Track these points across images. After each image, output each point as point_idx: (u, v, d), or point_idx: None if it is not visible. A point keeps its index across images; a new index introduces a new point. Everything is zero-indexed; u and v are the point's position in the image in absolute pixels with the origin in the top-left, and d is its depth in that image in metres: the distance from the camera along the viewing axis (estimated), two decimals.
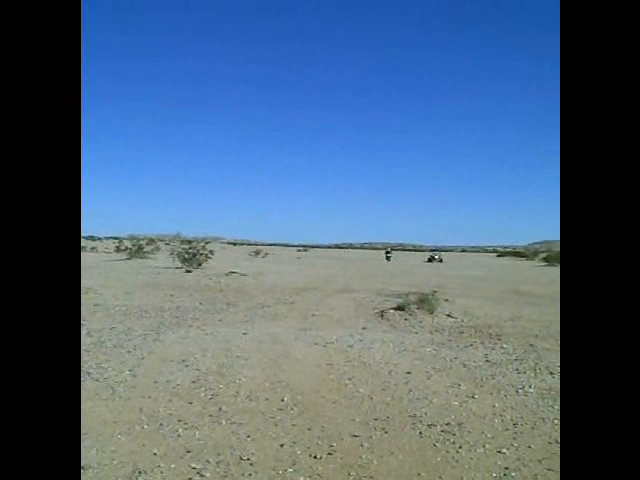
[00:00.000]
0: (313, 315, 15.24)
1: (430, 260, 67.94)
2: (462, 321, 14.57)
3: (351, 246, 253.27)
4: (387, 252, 70.66)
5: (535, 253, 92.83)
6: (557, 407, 6.88)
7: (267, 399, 7.03)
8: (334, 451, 5.40)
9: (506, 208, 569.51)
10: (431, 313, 14.93)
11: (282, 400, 6.99)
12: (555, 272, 45.42)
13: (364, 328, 13.19)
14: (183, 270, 30.97)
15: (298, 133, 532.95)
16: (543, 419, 6.43)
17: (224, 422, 6.14)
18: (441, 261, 67.63)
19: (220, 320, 13.91)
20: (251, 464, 5.06)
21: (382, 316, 14.94)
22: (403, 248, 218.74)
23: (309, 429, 5.99)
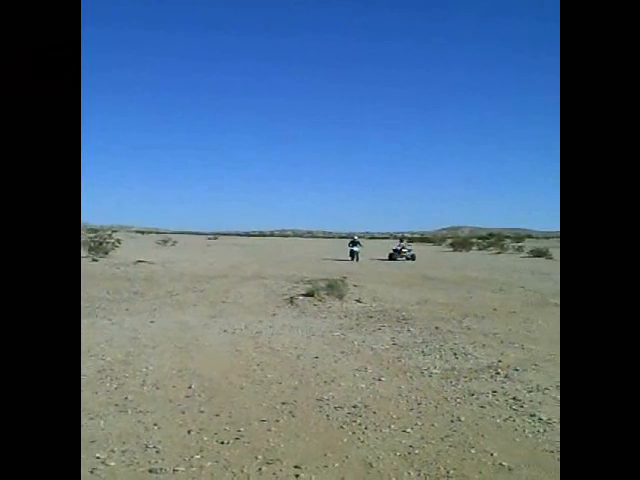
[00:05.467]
0: (223, 302, 15.13)
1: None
2: (371, 306, 14.81)
3: (262, 234, 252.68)
4: (352, 242, 38.91)
5: (442, 239, 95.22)
6: (460, 386, 7.13)
7: (174, 387, 6.95)
8: (241, 436, 5.40)
9: (414, 195, 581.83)
10: (340, 298, 15.12)
11: (189, 387, 6.92)
12: (460, 257, 46.85)
13: (274, 314, 13.21)
14: (89, 259, 30.07)
15: (204, 119, 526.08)
16: (446, 398, 6.63)
17: (130, 411, 6.03)
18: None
19: (127, 309, 13.60)
20: (157, 452, 4.99)
21: (292, 302, 15.01)
22: (312, 235, 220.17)
23: (216, 415, 5.95)
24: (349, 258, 37.29)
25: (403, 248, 40.42)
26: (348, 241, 40.92)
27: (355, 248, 37.55)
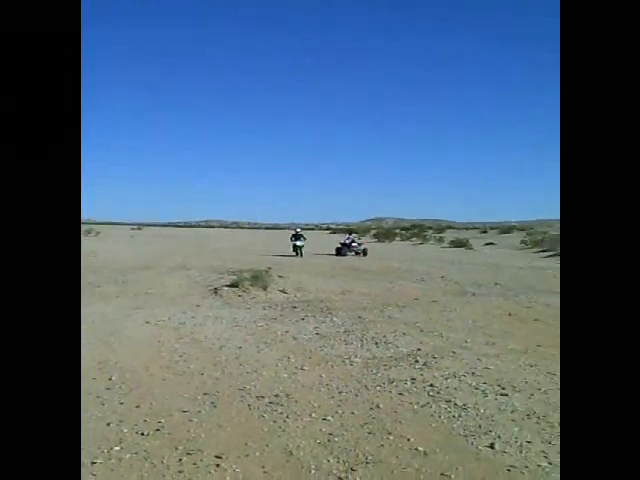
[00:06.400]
0: (146, 293, 14.93)
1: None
2: (295, 296, 14.91)
3: (187, 224, 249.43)
4: (295, 236, 33.48)
5: (366, 230, 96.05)
6: (380, 374, 7.29)
7: (94, 379, 6.85)
8: (162, 427, 5.39)
9: (339, 187, 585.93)
10: (265, 289, 15.14)
11: (110, 379, 6.85)
12: (384, 247, 47.41)
13: (198, 305, 13.14)
14: None
15: (131, 108, 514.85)
16: (366, 386, 6.77)
17: None
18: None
19: None
20: None
21: (216, 293, 14.95)
22: (238, 226, 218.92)
23: (137, 407, 5.92)
24: (293, 253, 32.39)
25: (353, 242, 35.29)
26: (289, 234, 35.88)
27: (298, 242, 32.80)
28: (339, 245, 35.25)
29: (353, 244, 34.86)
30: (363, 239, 47.26)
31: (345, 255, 33.34)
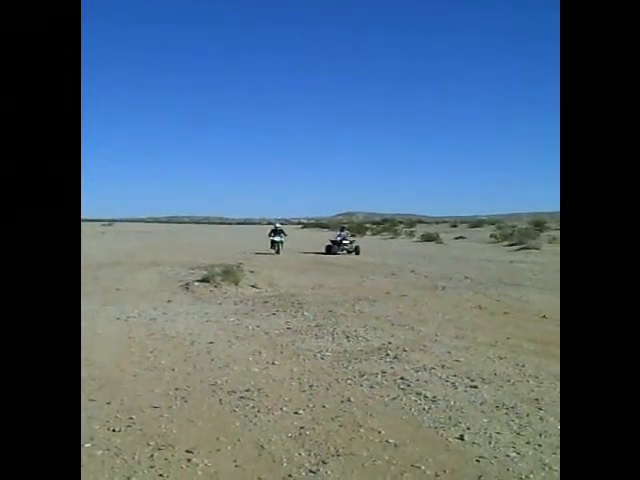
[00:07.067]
0: (117, 290, 14.84)
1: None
2: (266, 291, 14.91)
3: (158, 220, 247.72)
4: (274, 231, 30.66)
5: (337, 224, 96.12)
6: (351, 368, 7.34)
7: None
8: (133, 423, 5.38)
9: (311, 182, 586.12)
10: (236, 284, 15.10)
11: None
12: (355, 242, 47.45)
13: (169, 301, 13.10)
14: None
15: (97, 101, 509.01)
16: (337, 380, 6.82)
17: None
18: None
19: None
20: None
21: (187, 288, 14.91)
22: (209, 221, 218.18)
23: (108, 403, 5.89)
24: (271, 250, 29.60)
25: (344, 239, 32.08)
26: (262, 229, 32.42)
27: (277, 238, 29.81)
28: (329, 243, 32.23)
29: (344, 241, 31.81)
30: (331, 233, 43.87)
31: (336, 254, 30.57)
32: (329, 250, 31.44)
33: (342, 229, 34.72)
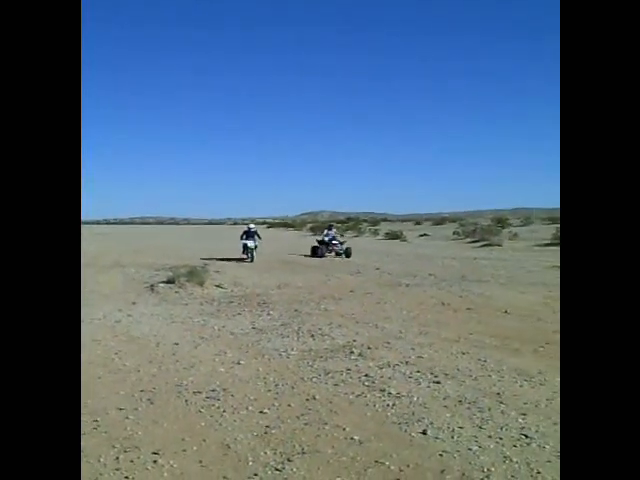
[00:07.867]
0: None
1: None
2: (232, 291, 14.90)
3: (122, 221, 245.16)
4: (246, 233, 24.23)
5: (303, 224, 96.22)
6: (316, 366, 7.40)
7: None
8: (98, 426, 5.36)
9: (275, 181, 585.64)
10: (201, 285, 15.06)
11: None
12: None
13: (134, 303, 13.01)
14: None
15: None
16: (302, 378, 6.87)
17: None
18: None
19: None
20: None
21: (152, 290, 14.82)
22: (176, 222, 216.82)
23: None
24: (244, 256, 24.23)
25: (333, 240, 27.67)
26: (240, 231, 26.33)
27: (250, 242, 23.96)
28: (316, 244, 28.30)
29: (334, 242, 27.48)
30: (296, 232, 40.38)
31: (323, 256, 26.64)
32: (315, 252, 27.53)
33: (330, 227, 29.88)
